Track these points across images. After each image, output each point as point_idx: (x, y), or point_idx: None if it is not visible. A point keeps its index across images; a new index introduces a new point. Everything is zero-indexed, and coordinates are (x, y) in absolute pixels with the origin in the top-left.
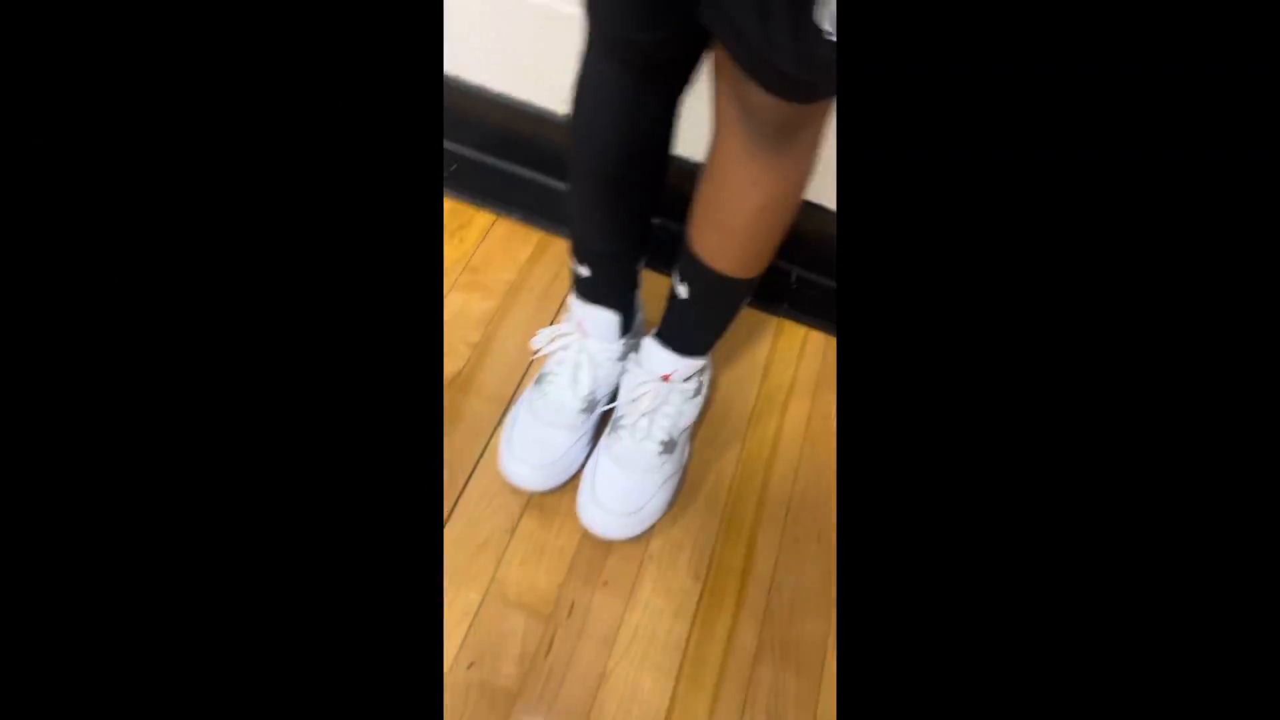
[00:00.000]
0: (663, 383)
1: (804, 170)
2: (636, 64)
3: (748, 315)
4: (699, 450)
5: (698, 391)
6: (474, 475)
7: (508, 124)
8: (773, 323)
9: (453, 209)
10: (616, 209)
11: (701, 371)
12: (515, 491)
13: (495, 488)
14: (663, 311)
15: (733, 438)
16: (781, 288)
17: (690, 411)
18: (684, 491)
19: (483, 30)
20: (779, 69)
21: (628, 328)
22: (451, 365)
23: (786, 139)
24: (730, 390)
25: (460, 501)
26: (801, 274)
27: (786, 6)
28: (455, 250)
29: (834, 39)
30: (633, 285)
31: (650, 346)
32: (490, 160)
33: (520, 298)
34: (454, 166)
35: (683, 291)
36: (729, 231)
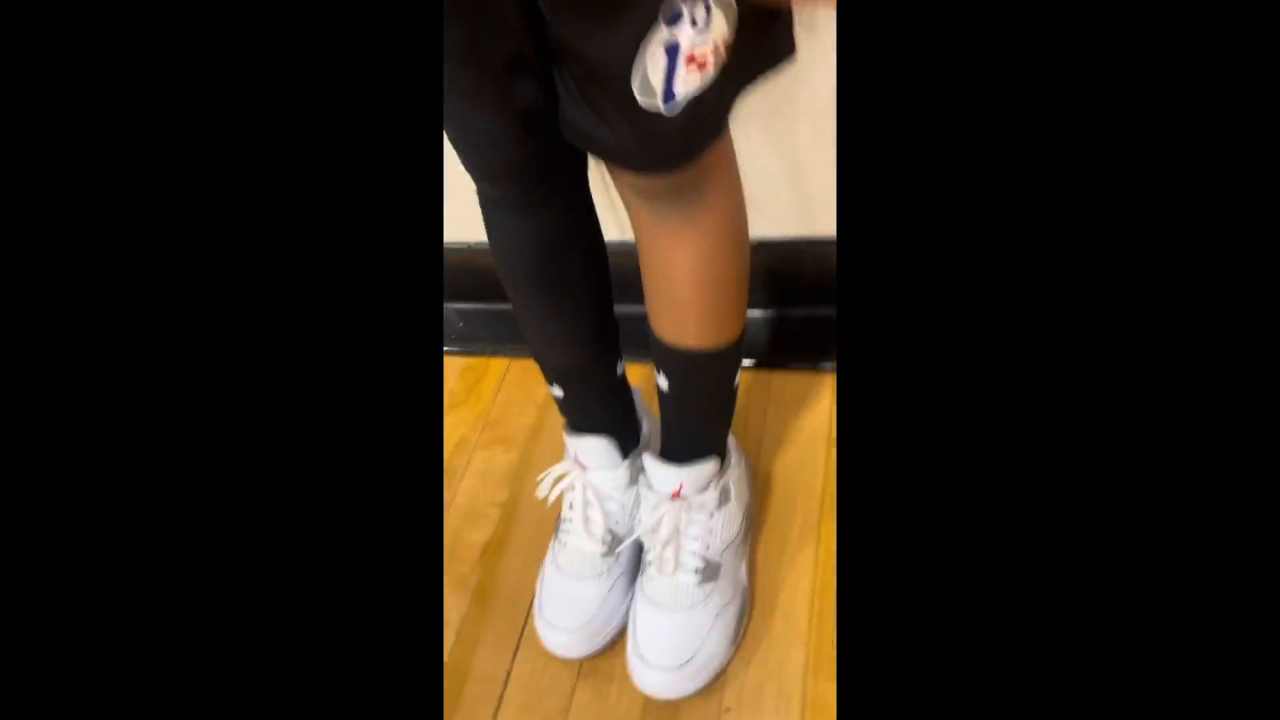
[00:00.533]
0: (674, 501)
1: (728, 218)
2: (523, 184)
3: (793, 379)
4: (763, 564)
5: (725, 499)
6: (519, 650)
7: None
8: (827, 381)
9: (467, 365)
10: (561, 318)
11: (722, 473)
12: (565, 661)
13: (543, 661)
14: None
15: (805, 535)
16: (827, 336)
17: (725, 524)
18: (753, 619)
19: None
20: (629, 154)
21: (631, 447)
22: (482, 532)
23: (689, 198)
24: (790, 476)
25: (509, 682)
26: None
27: (611, 101)
28: (473, 409)
29: (661, 110)
30: (620, 397)
31: (649, 464)
32: (493, 306)
33: (543, 440)
34: (460, 325)
35: (663, 383)
36: (677, 302)
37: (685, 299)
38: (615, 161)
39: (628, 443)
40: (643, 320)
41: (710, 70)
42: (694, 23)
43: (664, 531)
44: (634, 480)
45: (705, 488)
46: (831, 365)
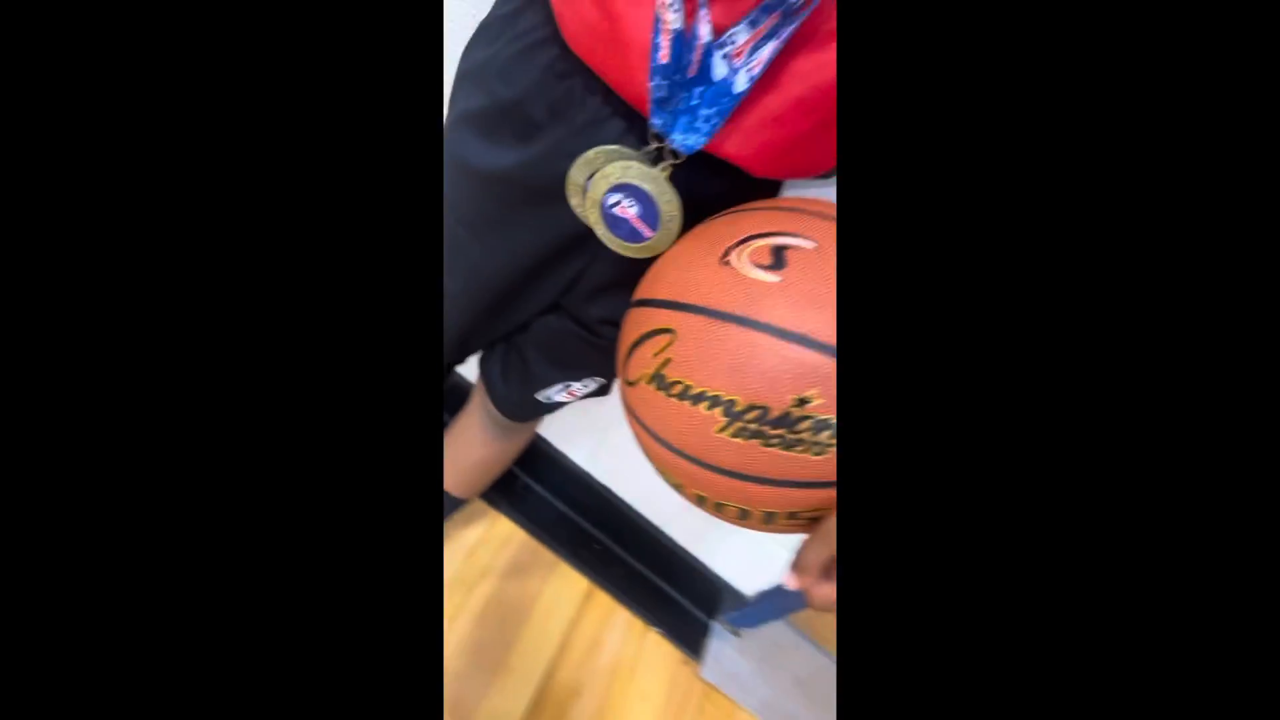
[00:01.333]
0: None
1: (518, 449)
2: None
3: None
4: None
5: None
6: None
7: None
8: (488, 511)
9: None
10: None
11: None
12: None
13: None
14: None
15: None
16: (511, 487)
17: None
18: None
19: None
20: (505, 403)
21: None
22: None
23: (514, 432)
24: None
25: None
26: (527, 481)
27: (520, 381)
28: None
29: (538, 401)
30: None
31: None
32: None
33: None
34: None
35: None
36: (455, 466)
37: (464, 469)
38: (493, 400)
39: None
40: None
41: (572, 400)
42: (586, 384)
43: None
44: None
45: None
46: (496, 502)
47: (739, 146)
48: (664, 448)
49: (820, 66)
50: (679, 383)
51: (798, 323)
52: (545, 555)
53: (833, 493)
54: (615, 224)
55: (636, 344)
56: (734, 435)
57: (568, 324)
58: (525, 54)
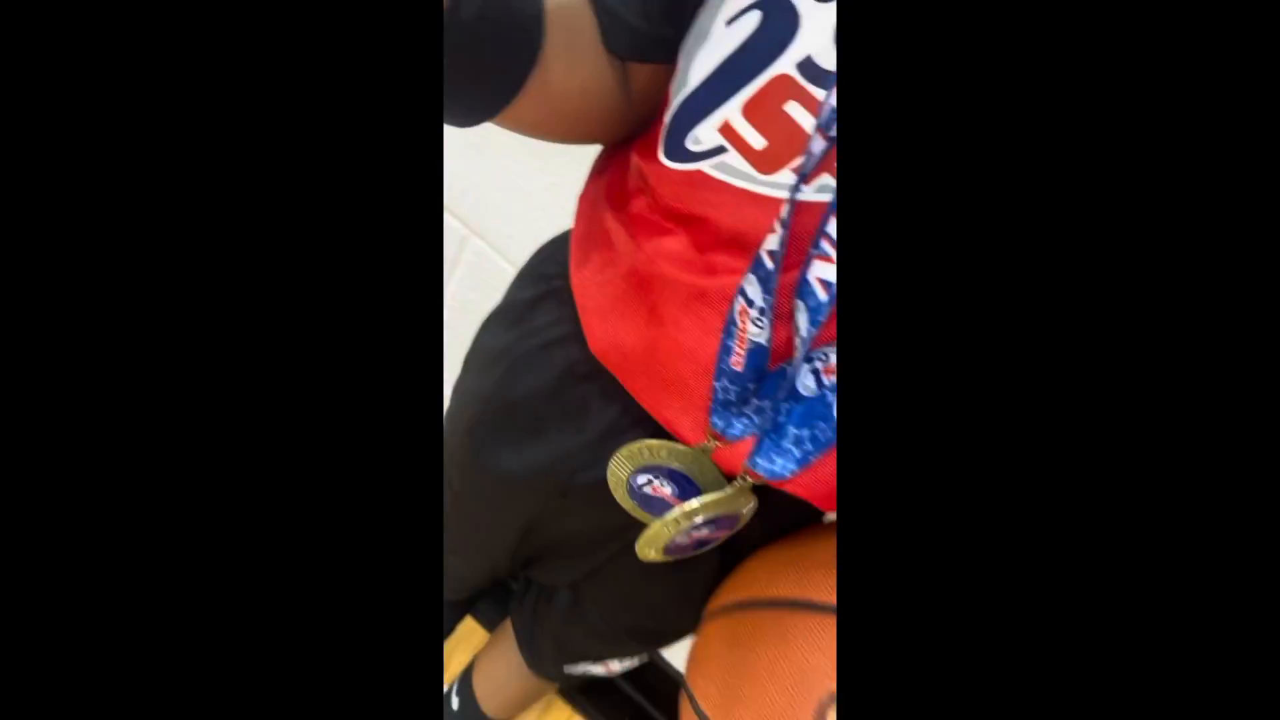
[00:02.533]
0: None
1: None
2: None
3: None
4: None
5: None
6: None
7: None
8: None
9: None
10: None
11: None
12: None
13: None
14: None
15: None
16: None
17: None
18: None
19: None
20: (533, 656)
21: None
22: None
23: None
24: None
25: None
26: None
27: (549, 651)
28: None
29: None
30: None
31: None
32: None
33: None
34: None
35: (454, 703)
36: (493, 685)
37: (506, 697)
38: (525, 657)
39: None
40: None
41: (610, 674)
42: (623, 662)
43: None
44: None
45: None
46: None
47: (809, 485)
48: None
49: None
50: None
51: None
52: None
53: None
54: (647, 502)
55: None
56: None
57: (594, 619)
58: (541, 351)
